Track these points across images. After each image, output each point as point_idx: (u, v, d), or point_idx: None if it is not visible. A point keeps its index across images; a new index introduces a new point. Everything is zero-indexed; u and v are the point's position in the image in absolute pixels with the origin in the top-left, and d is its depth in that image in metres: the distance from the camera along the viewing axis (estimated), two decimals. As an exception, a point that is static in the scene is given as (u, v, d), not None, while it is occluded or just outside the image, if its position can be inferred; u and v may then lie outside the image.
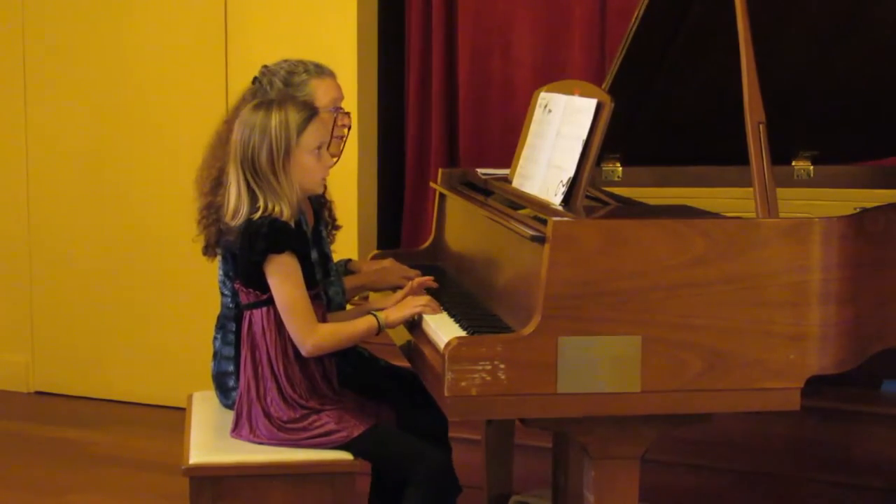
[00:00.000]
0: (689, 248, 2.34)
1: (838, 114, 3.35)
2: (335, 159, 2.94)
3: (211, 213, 2.82)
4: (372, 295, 3.28)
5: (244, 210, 2.65)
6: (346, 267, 3.21)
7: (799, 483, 3.65)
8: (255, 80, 2.99)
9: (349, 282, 3.09)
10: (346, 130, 3.03)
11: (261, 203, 2.64)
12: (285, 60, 2.99)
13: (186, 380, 4.10)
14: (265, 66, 3.00)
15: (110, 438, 4.61)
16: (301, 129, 2.66)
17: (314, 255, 2.82)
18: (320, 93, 2.92)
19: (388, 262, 3.20)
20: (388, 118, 4.83)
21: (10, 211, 5.15)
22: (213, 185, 2.84)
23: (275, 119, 2.64)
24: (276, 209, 2.64)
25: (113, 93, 4.92)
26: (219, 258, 2.91)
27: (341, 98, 3.02)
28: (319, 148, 2.71)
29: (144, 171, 4.90)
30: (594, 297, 2.30)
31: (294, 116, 2.66)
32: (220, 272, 2.94)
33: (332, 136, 2.90)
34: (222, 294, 2.96)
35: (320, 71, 2.98)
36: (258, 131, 2.64)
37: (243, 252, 2.67)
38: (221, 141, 2.88)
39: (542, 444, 3.45)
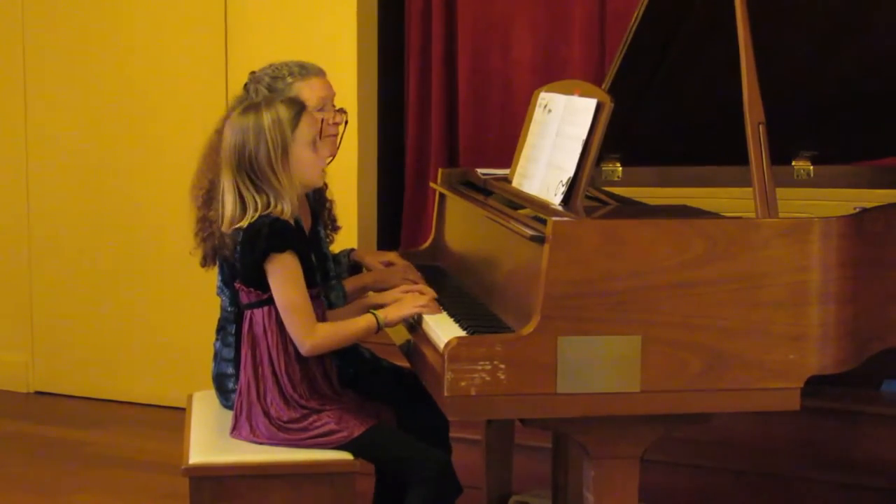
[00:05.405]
0: (689, 248, 2.34)
1: (838, 114, 3.35)
2: (331, 156, 2.95)
3: (205, 226, 2.81)
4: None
5: (243, 217, 2.65)
6: (350, 257, 3.20)
7: (799, 483, 3.65)
8: (245, 86, 2.98)
9: (353, 283, 3.07)
10: (340, 128, 3.02)
11: (261, 206, 2.64)
12: (270, 65, 2.98)
13: (186, 380, 4.11)
14: (252, 73, 2.99)
15: (110, 438, 4.61)
16: (294, 124, 2.67)
17: (312, 257, 2.82)
18: (306, 95, 2.89)
19: (392, 256, 3.20)
20: (388, 118, 4.83)
21: (10, 211, 5.14)
22: (206, 199, 2.83)
23: (267, 118, 2.65)
24: (278, 208, 2.64)
25: (113, 93, 4.92)
26: (216, 265, 2.91)
27: (331, 95, 2.99)
28: (314, 140, 2.71)
29: (144, 171, 4.90)
30: (594, 296, 2.30)
31: (285, 113, 2.66)
32: (219, 279, 2.94)
33: (323, 135, 2.87)
34: (221, 299, 2.97)
35: (305, 72, 2.95)
36: (252, 133, 2.64)
37: (244, 252, 2.67)
38: (213, 151, 2.87)
39: (542, 444, 3.45)
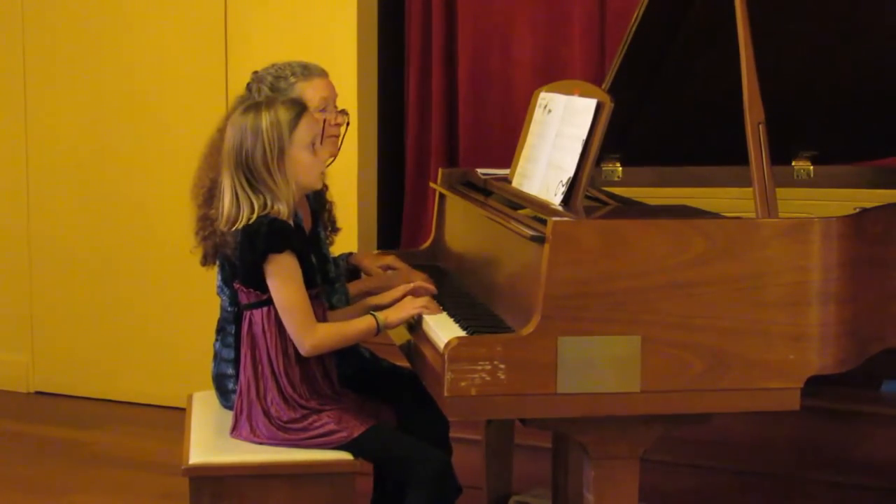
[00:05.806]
0: (689, 248, 2.34)
1: (838, 114, 3.35)
2: (332, 157, 2.95)
3: (206, 224, 2.81)
4: None
5: (239, 217, 2.65)
6: (348, 261, 3.20)
7: (799, 483, 3.65)
8: (248, 86, 2.98)
9: (354, 288, 3.06)
10: (342, 129, 3.02)
11: (257, 206, 2.64)
12: (273, 65, 2.98)
13: (186, 380, 4.10)
14: (255, 73, 2.99)
15: (110, 438, 4.61)
16: (293, 126, 2.66)
17: (312, 257, 2.82)
18: (308, 95, 2.89)
19: (390, 259, 3.20)
20: (388, 118, 4.83)
21: (10, 211, 5.14)
22: (207, 197, 2.82)
23: (265, 119, 2.64)
24: (275, 209, 2.64)
25: (113, 93, 4.92)
26: (216, 265, 2.91)
27: (334, 97, 2.99)
28: (313, 143, 2.71)
29: (144, 171, 4.90)
30: (594, 296, 2.30)
31: (284, 115, 2.66)
32: (219, 279, 2.94)
33: (325, 136, 2.88)
34: (221, 299, 2.97)
35: (307, 72, 2.95)
36: (250, 133, 2.64)
37: (243, 252, 2.67)
38: (214, 150, 2.87)
39: (542, 444, 3.45)
